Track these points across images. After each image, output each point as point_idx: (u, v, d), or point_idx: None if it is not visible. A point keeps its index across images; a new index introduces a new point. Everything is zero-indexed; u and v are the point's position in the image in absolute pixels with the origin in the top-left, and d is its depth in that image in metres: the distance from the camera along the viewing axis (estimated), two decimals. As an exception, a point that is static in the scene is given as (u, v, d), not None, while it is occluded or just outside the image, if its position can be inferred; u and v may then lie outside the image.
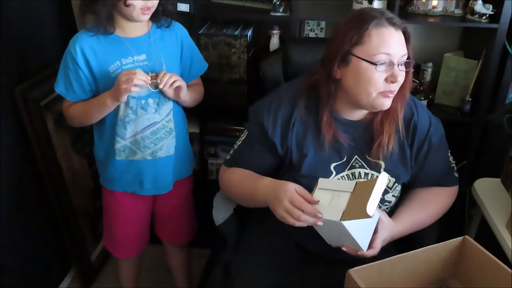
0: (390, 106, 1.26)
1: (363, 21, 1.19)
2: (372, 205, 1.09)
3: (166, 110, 1.52)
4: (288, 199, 1.17)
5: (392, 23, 1.19)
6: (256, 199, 1.31)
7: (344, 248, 1.21)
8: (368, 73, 1.19)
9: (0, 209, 1.60)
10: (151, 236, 1.79)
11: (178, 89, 1.46)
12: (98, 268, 2.17)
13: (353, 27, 1.20)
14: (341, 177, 1.33)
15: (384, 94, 1.21)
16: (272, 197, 1.22)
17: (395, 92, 1.24)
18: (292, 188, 1.19)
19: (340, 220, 1.12)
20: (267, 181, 1.30)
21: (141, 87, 1.38)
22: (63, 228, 1.91)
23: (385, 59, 1.18)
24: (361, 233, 1.18)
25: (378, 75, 1.19)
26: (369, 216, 1.08)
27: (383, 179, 1.14)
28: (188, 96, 1.52)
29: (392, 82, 1.19)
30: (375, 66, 1.17)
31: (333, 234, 1.19)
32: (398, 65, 1.19)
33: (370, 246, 1.21)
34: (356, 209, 1.12)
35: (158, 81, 1.41)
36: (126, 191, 1.61)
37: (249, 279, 1.32)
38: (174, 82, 1.43)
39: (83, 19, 1.43)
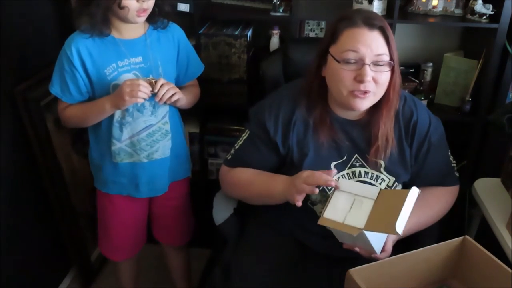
0: (382, 108, 1.27)
1: (340, 20, 1.23)
2: (401, 223, 1.06)
3: (162, 112, 1.52)
4: (303, 180, 1.20)
5: (366, 23, 1.20)
6: (273, 196, 1.32)
7: (356, 249, 1.22)
8: (337, 71, 1.21)
9: (0, 209, 1.60)
10: (150, 236, 1.79)
11: (177, 102, 1.46)
12: (98, 268, 2.17)
13: (332, 26, 1.25)
14: (342, 175, 1.34)
15: (355, 94, 1.21)
16: (290, 185, 1.24)
17: (370, 94, 1.22)
18: (306, 172, 1.22)
19: (363, 229, 1.10)
20: (283, 177, 1.31)
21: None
22: (63, 228, 1.91)
23: (354, 58, 1.19)
24: (379, 238, 1.18)
25: (346, 74, 1.20)
26: (397, 234, 1.06)
27: (414, 194, 1.10)
28: (184, 101, 1.52)
29: (360, 81, 1.19)
30: (340, 64, 1.20)
31: (348, 236, 1.18)
32: (370, 64, 1.19)
33: (383, 249, 1.21)
34: (382, 221, 1.09)
35: (155, 91, 1.39)
36: (121, 194, 1.60)
37: (249, 279, 1.32)
38: (172, 95, 1.42)
39: (78, 21, 1.41)
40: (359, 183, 1.26)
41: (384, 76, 1.22)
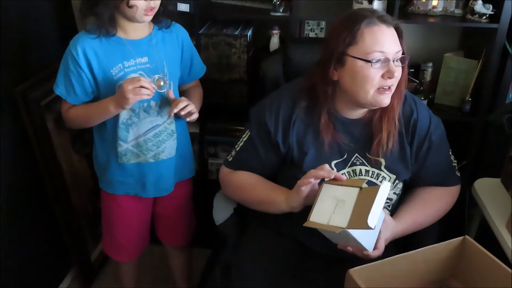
0: (393, 99, 1.28)
1: (355, 21, 1.21)
2: (373, 217, 1.09)
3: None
4: (302, 182, 1.22)
5: (383, 21, 1.21)
6: (275, 203, 1.34)
7: (349, 249, 1.22)
8: (364, 71, 1.21)
9: (0, 209, 1.60)
10: (151, 237, 1.79)
11: (188, 114, 1.47)
12: (98, 268, 2.17)
13: (346, 28, 1.22)
14: (342, 174, 1.34)
15: (381, 91, 1.23)
16: (292, 192, 1.27)
17: (393, 88, 1.25)
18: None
19: (346, 228, 1.12)
20: (286, 188, 1.32)
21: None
22: (63, 228, 1.91)
23: (380, 56, 1.20)
24: (367, 236, 1.18)
25: (374, 73, 1.21)
26: (370, 228, 1.08)
27: (385, 189, 1.14)
28: (195, 116, 1.51)
29: (389, 78, 1.21)
30: (370, 64, 1.19)
31: (339, 237, 1.19)
32: (393, 60, 1.21)
33: (375, 247, 1.21)
34: (359, 219, 1.12)
35: (177, 110, 1.42)
36: (128, 194, 1.60)
37: (249, 279, 1.32)
38: (189, 112, 1.44)
39: (84, 21, 1.41)
40: (341, 187, 1.28)
41: (401, 70, 1.25)
